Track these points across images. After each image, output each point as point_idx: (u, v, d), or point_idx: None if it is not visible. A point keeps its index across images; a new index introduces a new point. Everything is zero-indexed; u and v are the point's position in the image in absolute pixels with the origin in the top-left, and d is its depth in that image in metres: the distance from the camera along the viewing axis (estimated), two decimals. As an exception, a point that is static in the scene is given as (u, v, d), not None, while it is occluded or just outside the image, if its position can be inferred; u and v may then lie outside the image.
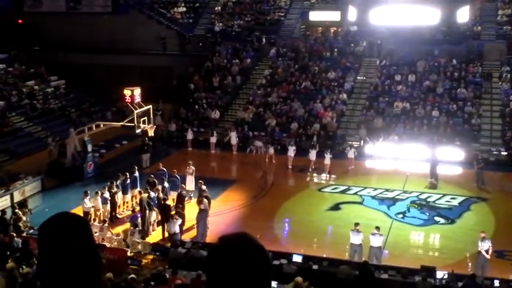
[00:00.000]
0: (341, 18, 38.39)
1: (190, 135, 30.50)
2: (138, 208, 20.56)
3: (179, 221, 18.57)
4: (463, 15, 34.49)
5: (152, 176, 22.00)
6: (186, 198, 21.84)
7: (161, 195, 20.68)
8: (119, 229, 20.13)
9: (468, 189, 24.24)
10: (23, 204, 21.31)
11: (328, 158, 26.22)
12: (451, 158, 27.35)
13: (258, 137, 29.36)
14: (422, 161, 26.18)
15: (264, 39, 38.16)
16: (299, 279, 12.17)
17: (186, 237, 19.17)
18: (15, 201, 21.95)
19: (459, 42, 35.30)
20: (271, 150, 27.63)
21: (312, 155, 26.92)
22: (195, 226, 19.47)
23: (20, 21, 41.12)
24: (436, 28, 35.66)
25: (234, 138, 29.32)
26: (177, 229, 18.45)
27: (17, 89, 34.95)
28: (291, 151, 27.24)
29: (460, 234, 19.95)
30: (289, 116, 32.24)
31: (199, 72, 36.93)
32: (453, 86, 32.62)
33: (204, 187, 21.09)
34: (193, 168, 23.43)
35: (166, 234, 19.31)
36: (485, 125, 30.17)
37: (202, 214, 19.20)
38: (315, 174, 26.64)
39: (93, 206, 20.20)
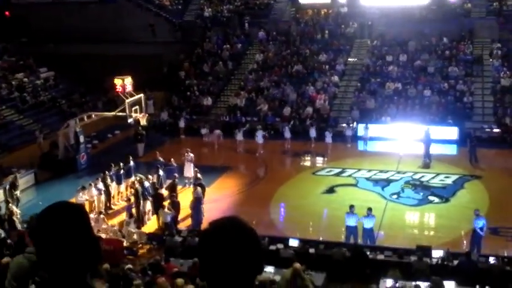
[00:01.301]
0: (331, 0, 38.21)
1: (182, 123, 30.37)
2: (133, 198, 20.51)
3: (172, 213, 18.52)
4: (453, -8, 34.45)
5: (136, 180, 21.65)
6: (181, 186, 21.86)
7: (154, 181, 20.71)
8: (114, 220, 20.11)
9: (462, 168, 24.30)
10: (13, 185, 21.17)
11: (329, 137, 26.69)
12: (444, 136, 27.43)
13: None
14: (415, 140, 26.20)
15: (246, 24, 37.78)
16: (297, 265, 12.16)
17: (182, 225, 19.19)
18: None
19: (449, 21, 35.16)
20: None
21: (312, 132, 27.35)
22: (190, 214, 19.46)
23: (7, 13, 40.68)
24: (426, 7, 35.55)
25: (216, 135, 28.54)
26: (168, 219, 18.40)
27: (7, 81, 34.65)
28: (287, 133, 27.40)
29: (454, 213, 20.04)
30: (282, 100, 32.16)
31: (190, 58, 36.71)
32: (444, 64, 32.57)
33: (199, 175, 21.08)
34: (191, 155, 23.36)
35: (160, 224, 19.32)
36: (477, 103, 30.18)
37: (196, 202, 19.18)
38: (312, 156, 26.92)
39: (86, 199, 20.14)
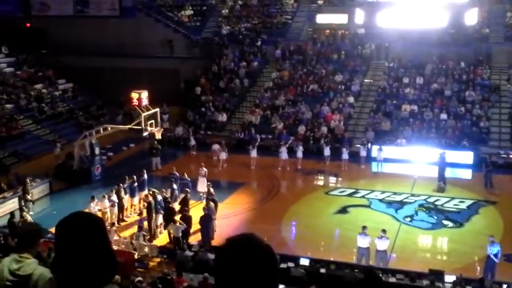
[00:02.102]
0: (348, 21, 38.40)
1: (193, 141, 30.03)
2: (145, 211, 20.57)
3: (183, 227, 18.51)
4: (471, 17, 34.47)
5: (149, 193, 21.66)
6: (194, 201, 21.93)
7: (166, 195, 20.78)
8: (126, 232, 20.14)
9: (476, 193, 24.08)
10: (24, 189, 21.77)
11: (346, 153, 27.00)
12: (460, 161, 27.26)
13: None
14: (431, 164, 26.06)
15: (259, 42, 37.97)
16: None
17: (193, 240, 19.16)
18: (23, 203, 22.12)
19: (467, 45, 35.16)
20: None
21: (327, 151, 27.40)
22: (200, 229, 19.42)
23: (28, 24, 41.36)
24: (444, 30, 35.57)
25: (223, 154, 27.86)
26: (179, 233, 18.38)
27: (25, 92, 35.13)
28: (299, 153, 27.38)
29: (468, 238, 19.82)
30: (297, 118, 32.21)
31: (207, 75, 36.98)
32: (461, 88, 32.48)
33: (212, 190, 21.10)
34: (205, 169, 23.44)
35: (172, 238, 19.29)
36: (493, 128, 30.00)
37: (207, 218, 19.13)
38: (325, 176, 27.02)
39: (99, 210, 20.23)
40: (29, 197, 21.91)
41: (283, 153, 27.27)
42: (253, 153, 27.62)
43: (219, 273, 2.01)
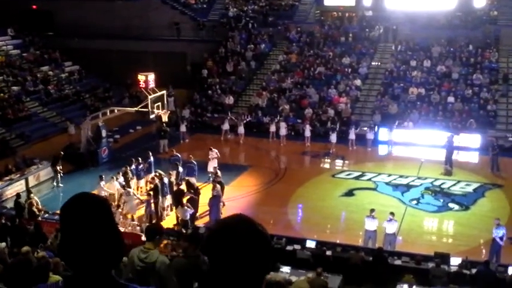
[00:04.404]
0: (356, 3, 38.09)
1: (183, 128, 29.64)
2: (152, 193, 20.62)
3: (191, 211, 18.56)
4: (480, -1, 34.11)
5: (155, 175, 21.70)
6: (203, 182, 22.01)
7: (173, 179, 20.81)
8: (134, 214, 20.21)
9: (483, 176, 24.03)
10: (57, 159, 23.23)
11: (353, 133, 27.13)
12: (466, 144, 27.17)
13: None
14: (437, 147, 26.00)
15: (249, 25, 37.72)
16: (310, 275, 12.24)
17: (200, 222, 19.25)
18: (30, 185, 22.28)
19: (475, 27, 34.83)
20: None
21: (333, 137, 27.17)
22: (208, 212, 19.51)
23: (35, 6, 41.25)
24: (452, 13, 35.23)
25: (241, 128, 28.69)
26: (188, 216, 18.46)
27: (32, 74, 35.13)
28: (307, 132, 27.80)
29: (474, 221, 19.82)
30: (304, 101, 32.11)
31: (213, 57, 36.86)
32: (469, 71, 32.25)
33: (219, 172, 21.10)
34: (216, 150, 23.48)
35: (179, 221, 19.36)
36: (501, 111, 29.84)
37: (215, 200, 19.21)
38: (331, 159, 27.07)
39: (109, 193, 20.27)
40: (58, 168, 23.07)
41: (282, 129, 28.13)
42: (272, 127, 28.72)
43: (211, 256, 1.98)
